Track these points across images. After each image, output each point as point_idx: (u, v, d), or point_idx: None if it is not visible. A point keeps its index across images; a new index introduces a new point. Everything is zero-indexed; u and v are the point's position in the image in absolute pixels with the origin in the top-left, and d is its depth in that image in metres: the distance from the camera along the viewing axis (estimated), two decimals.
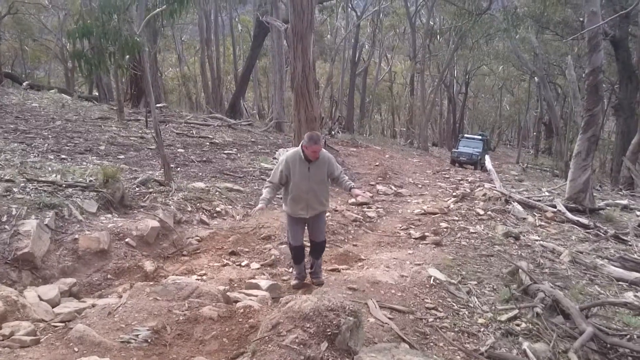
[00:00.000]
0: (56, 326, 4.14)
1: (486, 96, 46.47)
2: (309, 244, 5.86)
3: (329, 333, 3.18)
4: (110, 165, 8.84)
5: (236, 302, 4.69)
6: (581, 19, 20.85)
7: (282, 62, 21.11)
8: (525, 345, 4.22)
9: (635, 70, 18.33)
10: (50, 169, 7.96)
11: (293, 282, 5.85)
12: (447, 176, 16.21)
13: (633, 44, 19.64)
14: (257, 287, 5.25)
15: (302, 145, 5.28)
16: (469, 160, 24.34)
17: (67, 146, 10.72)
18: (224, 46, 35.39)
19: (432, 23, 32.50)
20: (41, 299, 4.55)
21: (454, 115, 38.34)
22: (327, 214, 9.49)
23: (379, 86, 42.91)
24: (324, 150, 5.49)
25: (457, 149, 25.75)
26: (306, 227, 5.66)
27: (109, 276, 5.60)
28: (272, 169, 12.08)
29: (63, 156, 9.69)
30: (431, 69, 36.92)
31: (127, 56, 7.95)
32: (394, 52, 43.56)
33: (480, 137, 27.47)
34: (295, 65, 12.79)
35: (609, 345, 4.47)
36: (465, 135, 29.96)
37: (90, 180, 7.22)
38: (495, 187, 12.45)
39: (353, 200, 10.92)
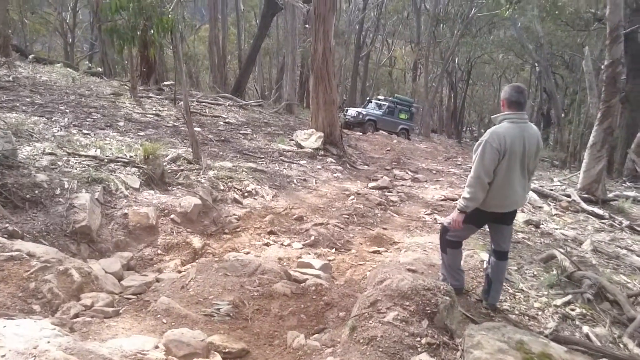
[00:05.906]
0: (129, 298, 4.19)
1: (485, 84, 46.48)
2: None
3: (428, 311, 3.23)
4: (132, 140, 8.83)
5: (295, 280, 4.75)
6: (592, 10, 20.95)
7: (295, 43, 20.85)
8: (586, 329, 4.33)
9: None
10: (78, 143, 7.93)
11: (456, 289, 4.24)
12: (458, 163, 16.29)
13: None
14: (310, 266, 5.28)
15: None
16: (354, 119, 23.30)
17: (87, 121, 10.64)
18: (227, 25, 34.97)
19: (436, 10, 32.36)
20: (106, 272, 4.59)
21: (454, 102, 38.37)
22: (352, 197, 9.63)
23: (378, 71, 42.82)
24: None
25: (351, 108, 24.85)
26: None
27: (159, 251, 5.63)
28: (289, 150, 12.27)
29: (85, 131, 9.62)
30: (434, 56, 36.87)
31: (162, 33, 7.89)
32: (395, 37, 43.40)
33: (388, 101, 26.18)
34: (316, 47, 12.72)
35: None
36: (378, 97, 28.95)
37: (131, 156, 7.21)
38: None
39: (374, 184, 11.01)
